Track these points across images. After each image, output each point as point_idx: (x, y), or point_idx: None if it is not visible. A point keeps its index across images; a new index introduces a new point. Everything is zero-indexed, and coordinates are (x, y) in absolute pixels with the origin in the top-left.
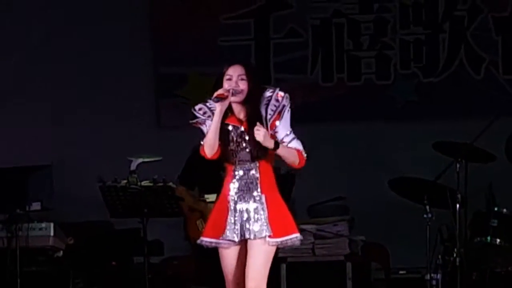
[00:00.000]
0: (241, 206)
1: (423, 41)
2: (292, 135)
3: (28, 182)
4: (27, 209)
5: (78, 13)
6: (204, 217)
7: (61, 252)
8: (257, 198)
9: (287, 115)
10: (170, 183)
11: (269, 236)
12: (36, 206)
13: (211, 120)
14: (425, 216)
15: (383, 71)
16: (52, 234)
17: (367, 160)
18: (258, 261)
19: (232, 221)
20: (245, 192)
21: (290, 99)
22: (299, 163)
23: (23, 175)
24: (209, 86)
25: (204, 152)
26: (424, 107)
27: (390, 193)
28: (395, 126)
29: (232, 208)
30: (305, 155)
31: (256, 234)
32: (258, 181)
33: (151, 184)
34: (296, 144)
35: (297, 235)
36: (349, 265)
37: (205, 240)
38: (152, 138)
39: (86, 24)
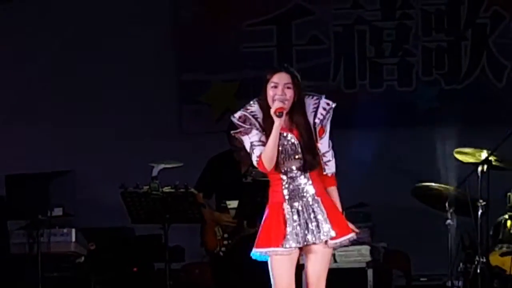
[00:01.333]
0: (299, 212)
1: (445, 48)
2: (332, 151)
3: (50, 188)
4: (49, 214)
5: (102, 20)
6: (218, 226)
7: (83, 257)
8: (314, 202)
9: (328, 126)
10: (192, 189)
11: (331, 238)
12: (58, 211)
13: (256, 129)
14: (446, 223)
15: (405, 78)
16: (73, 240)
17: (389, 167)
18: (319, 265)
19: (292, 228)
20: (300, 198)
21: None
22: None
23: (45, 181)
24: (232, 92)
25: (263, 167)
26: (446, 114)
27: (412, 200)
28: (417, 133)
29: (289, 216)
30: (335, 172)
31: (322, 237)
32: (312, 185)
33: (172, 190)
34: (333, 168)
35: (353, 235)
36: (370, 272)
37: (259, 250)
38: (175, 144)
39: (111, 30)
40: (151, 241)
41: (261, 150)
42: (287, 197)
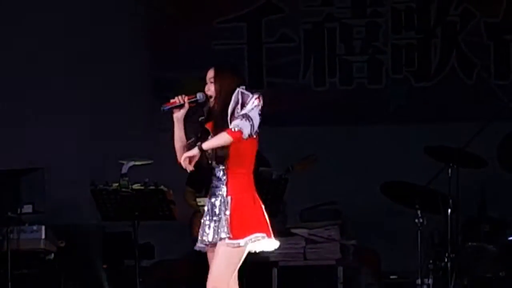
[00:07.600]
0: (211, 210)
1: (415, 46)
2: (242, 114)
3: (20, 184)
4: (18, 211)
5: (75, 17)
6: None
7: (52, 255)
8: (222, 200)
9: (250, 106)
10: (162, 187)
11: (229, 238)
12: (27, 209)
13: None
14: (416, 221)
15: (375, 75)
16: (43, 237)
17: (358, 165)
18: (217, 262)
19: (204, 224)
20: (215, 195)
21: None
22: (232, 139)
23: (15, 177)
24: (203, 89)
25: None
26: (415, 112)
27: (382, 197)
28: (386, 131)
29: (206, 211)
30: (236, 129)
31: (215, 236)
32: (225, 184)
33: (142, 188)
34: (237, 122)
35: (257, 234)
36: (340, 269)
37: (197, 245)
38: (146, 141)
39: (84, 28)
40: (121, 238)
41: None
42: (209, 193)
